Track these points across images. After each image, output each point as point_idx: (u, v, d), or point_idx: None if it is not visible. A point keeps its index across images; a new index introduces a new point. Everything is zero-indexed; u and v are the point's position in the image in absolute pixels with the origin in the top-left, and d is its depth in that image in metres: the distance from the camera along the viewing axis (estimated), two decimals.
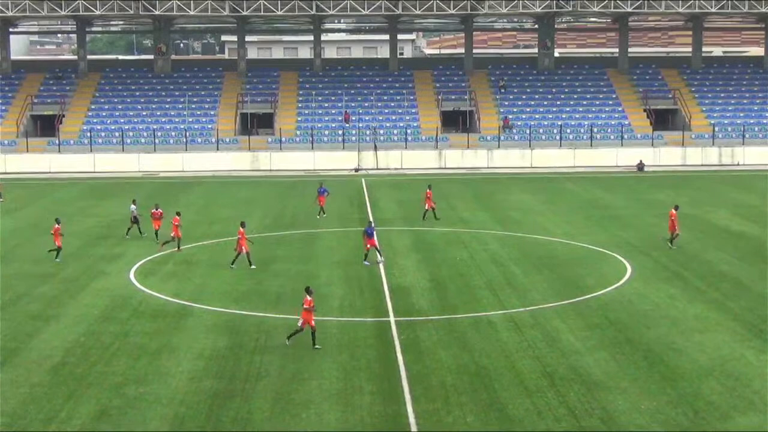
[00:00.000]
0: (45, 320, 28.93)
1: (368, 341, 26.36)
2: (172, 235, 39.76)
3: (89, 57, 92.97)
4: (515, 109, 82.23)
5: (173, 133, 78.38)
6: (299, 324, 25.58)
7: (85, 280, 34.71)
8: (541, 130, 78.94)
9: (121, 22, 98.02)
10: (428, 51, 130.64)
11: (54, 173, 72.78)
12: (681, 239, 41.00)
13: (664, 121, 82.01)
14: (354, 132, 77.64)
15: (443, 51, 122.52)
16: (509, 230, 45.18)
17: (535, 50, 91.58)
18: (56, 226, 38.50)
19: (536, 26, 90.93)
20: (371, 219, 41.45)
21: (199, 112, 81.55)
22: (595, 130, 78.31)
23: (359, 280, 34.33)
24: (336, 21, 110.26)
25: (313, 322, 25.51)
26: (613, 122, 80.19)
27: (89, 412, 21.14)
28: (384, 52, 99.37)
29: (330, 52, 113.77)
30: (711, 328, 27.45)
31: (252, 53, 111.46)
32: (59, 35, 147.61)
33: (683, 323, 28.03)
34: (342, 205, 53.26)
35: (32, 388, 22.68)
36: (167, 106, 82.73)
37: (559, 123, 79.31)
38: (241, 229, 36.64)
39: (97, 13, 77.53)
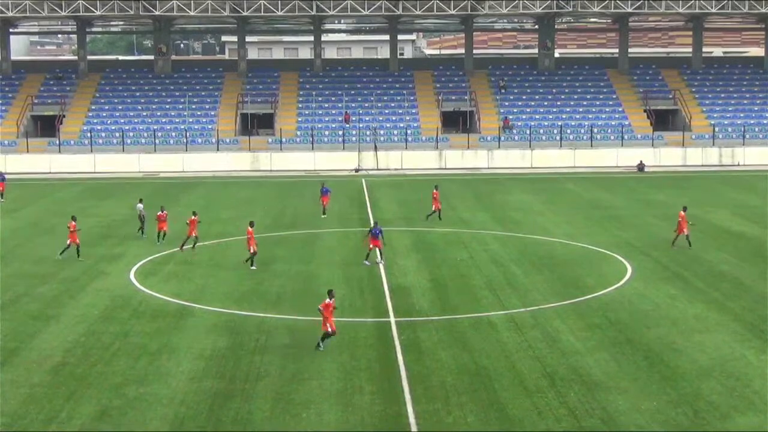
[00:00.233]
0: (45, 320, 28.92)
1: (368, 341, 26.36)
2: (192, 234, 39.82)
3: (89, 57, 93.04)
4: (515, 110, 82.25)
5: (173, 134, 78.41)
6: (329, 329, 25.27)
7: (85, 280, 34.71)
8: (541, 131, 78.95)
9: (122, 23, 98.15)
10: (428, 51, 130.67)
11: (54, 173, 72.80)
12: (682, 240, 41.03)
13: (664, 121, 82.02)
14: (354, 132, 77.66)
15: (443, 51, 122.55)
16: (509, 230, 45.18)
17: (536, 50, 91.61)
18: (72, 223, 38.53)
19: (536, 27, 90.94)
20: (376, 220, 41.32)
21: (199, 113, 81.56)
22: (596, 130, 78.33)
23: (359, 281, 34.33)
24: (336, 21, 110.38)
25: (328, 326, 25.29)
26: (613, 122, 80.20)
27: (89, 412, 21.14)
28: (384, 53, 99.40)
29: (330, 53, 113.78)
30: (711, 329, 27.45)
31: (252, 53, 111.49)
32: (59, 36, 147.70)
33: (683, 323, 28.03)
34: (342, 205, 53.24)
35: (32, 388, 22.68)
36: (167, 106, 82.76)
37: (560, 123, 79.32)
38: (250, 229, 36.63)
39: (98, 13, 77.55)
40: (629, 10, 78.36)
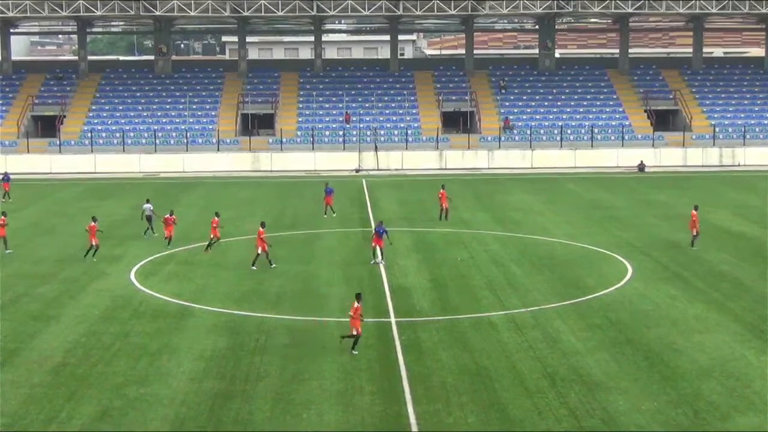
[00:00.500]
0: (45, 321, 28.93)
1: (369, 342, 26.34)
2: (212, 236, 39.74)
3: (90, 57, 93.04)
4: (516, 110, 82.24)
5: (174, 134, 78.42)
6: (354, 332, 25.12)
7: (85, 280, 34.72)
8: (541, 131, 78.95)
9: (122, 23, 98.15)
10: (429, 52, 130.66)
11: (55, 174, 72.82)
12: (682, 240, 41.13)
13: (664, 121, 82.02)
14: (355, 133, 77.65)
15: (444, 52, 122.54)
16: (510, 231, 45.18)
17: (536, 51, 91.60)
18: (92, 224, 38.52)
19: (537, 27, 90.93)
20: (381, 219, 41.25)
21: (199, 113, 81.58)
22: (596, 130, 78.33)
23: (360, 281, 34.32)
24: (337, 22, 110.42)
25: (360, 330, 25.19)
26: (613, 123, 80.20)
27: (90, 412, 21.15)
28: (385, 53, 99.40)
29: (331, 53, 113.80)
30: (711, 329, 27.45)
31: (253, 54, 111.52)
32: (60, 36, 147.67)
33: (684, 324, 28.03)
34: (343, 205, 53.23)
35: (33, 388, 22.69)
36: (168, 106, 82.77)
37: (560, 124, 79.33)
38: (261, 229, 36.63)
39: (98, 13, 77.55)
40: (630, 10, 78.35)
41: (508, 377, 23.22)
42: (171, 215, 41.29)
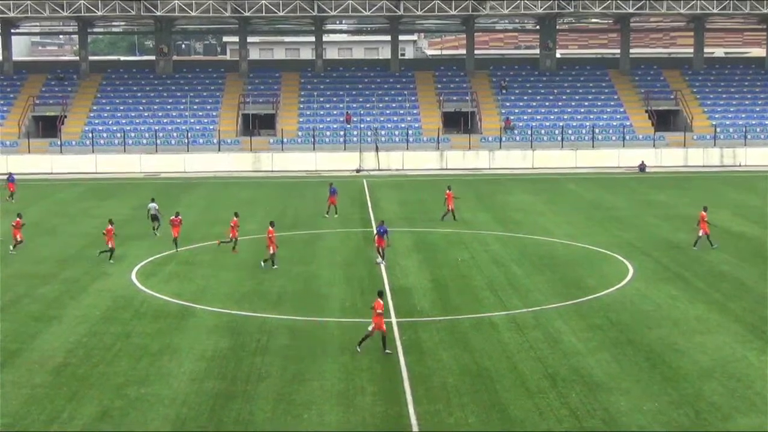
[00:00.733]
0: (46, 321, 28.94)
1: (370, 342, 26.33)
2: (230, 236, 39.70)
3: (91, 58, 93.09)
4: (517, 110, 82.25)
5: (175, 134, 78.44)
6: (369, 329, 25.09)
7: (86, 280, 34.72)
8: (542, 131, 78.96)
9: (123, 23, 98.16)
10: (430, 52, 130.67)
11: (56, 174, 72.87)
12: (682, 240, 41.17)
13: (665, 122, 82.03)
14: (355, 133, 77.68)
15: (445, 52, 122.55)
16: (510, 231, 45.19)
17: (537, 51, 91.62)
18: (109, 226, 38.51)
19: (538, 27, 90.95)
20: (383, 219, 41.23)
21: (200, 113, 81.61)
22: (597, 130, 78.33)
23: (361, 281, 34.34)
24: (337, 22, 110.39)
25: (384, 327, 25.13)
26: (614, 123, 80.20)
27: (91, 412, 21.16)
28: (385, 53, 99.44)
29: (331, 53, 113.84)
30: (712, 329, 27.45)
31: (254, 54, 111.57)
32: (61, 36, 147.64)
33: (685, 324, 28.03)
34: (344, 205, 53.21)
35: (34, 388, 22.70)
36: (169, 107, 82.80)
37: (561, 124, 79.35)
38: (271, 229, 36.62)
39: (99, 14, 77.57)
40: (631, 10, 78.35)
41: (509, 378, 23.22)
42: (177, 216, 40.79)
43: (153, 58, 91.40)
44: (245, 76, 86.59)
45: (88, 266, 37.19)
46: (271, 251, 36.24)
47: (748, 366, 24.05)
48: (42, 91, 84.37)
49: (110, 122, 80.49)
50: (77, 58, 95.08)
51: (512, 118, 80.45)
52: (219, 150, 76.55)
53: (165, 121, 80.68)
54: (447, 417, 20.79)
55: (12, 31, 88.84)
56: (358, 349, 25.12)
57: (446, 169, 74.74)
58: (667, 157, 76.17)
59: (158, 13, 78.03)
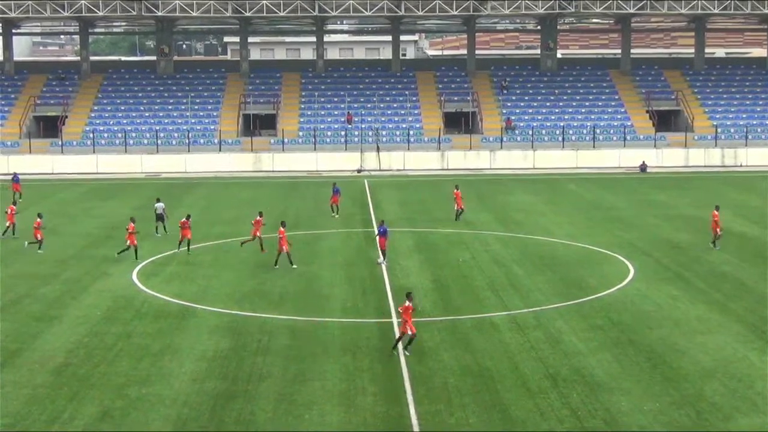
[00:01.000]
0: (47, 321, 28.94)
1: (371, 342, 26.36)
2: (257, 235, 39.60)
3: (92, 58, 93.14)
4: (518, 110, 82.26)
5: (176, 135, 78.48)
6: (408, 332, 24.98)
7: (87, 281, 34.73)
8: (543, 131, 78.98)
9: (124, 24, 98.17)
10: (431, 52, 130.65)
11: (57, 174, 72.90)
12: (684, 240, 41.17)
13: (666, 122, 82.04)
14: (356, 133, 77.71)
15: (446, 52, 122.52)
16: (511, 231, 45.18)
17: (538, 51, 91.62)
18: (131, 224, 38.51)
19: (539, 27, 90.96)
20: (383, 219, 41.23)
21: (201, 113, 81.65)
22: (598, 131, 78.35)
23: (362, 281, 34.34)
24: (338, 22, 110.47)
25: (407, 329, 24.94)
26: (615, 123, 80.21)
27: (92, 413, 21.16)
28: (386, 53, 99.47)
29: (332, 53, 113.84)
30: (713, 330, 27.44)
31: (254, 54, 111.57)
32: (62, 36, 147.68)
33: (686, 324, 28.02)
34: (345, 206, 53.23)
35: (35, 389, 22.69)
36: (170, 107, 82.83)
37: (562, 124, 79.39)
38: (282, 229, 36.60)
39: (100, 14, 77.62)
40: (631, 10, 78.36)
41: (510, 378, 23.21)
42: (187, 219, 40.19)
43: (154, 58, 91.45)
44: (246, 76, 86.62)
45: (89, 266, 37.20)
46: (285, 250, 36.20)
47: (749, 366, 24.04)
48: (43, 91, 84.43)
49: (111, 122, 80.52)
50: (78, 58, 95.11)
51: (513, 118, 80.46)
52: (220, 150, 76.58)
53: (166, 121, 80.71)
54: (448, 417, 20.79)
55: (13, 31, 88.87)
56: (407, 353, 24.84)
57: (447, 169, 74.75)
58: (668, 157, 76.17)
59: (159, 14, 78.05)
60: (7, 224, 43.70)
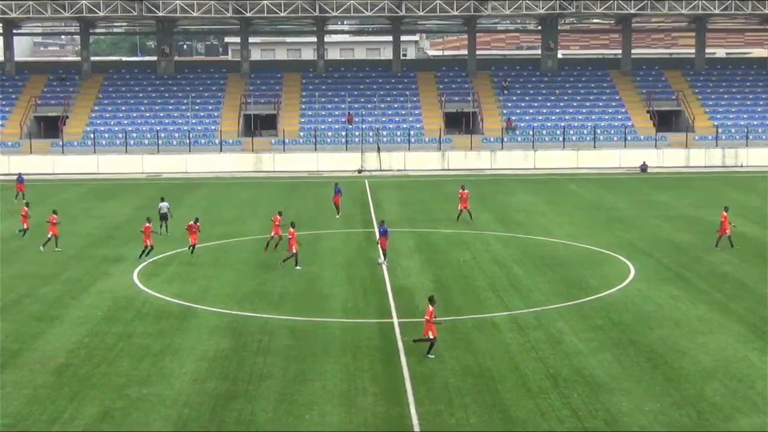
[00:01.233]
0: (48, 321, 28.94)
1: (371, 342, 26.37)
2: (272, 234, 39.54)
3: (93, 58, 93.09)
4: (518, 111, 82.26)
5: (176, 135, 78.48)
6: (430, 335, 24.84)
7: (88, 281, 34.74)
8: (544, 132, 78.97)
9: (125, 24, 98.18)
10: (431, 52, 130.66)
11: (57, 174, 72.89)
12: (684, 241, 41.16)
13: (667, 122, 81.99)
14: (357, 133, 77.70)
15: (446, 52, 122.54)
16: (512, 231, 45.18)
17: (539, 51, 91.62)
18: (147, 224, 38.48)
19: (539, 28, 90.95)
20: (383, 219, 41.16)
21: (202, 114, 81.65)
22: (598, 131, 78.33)
23: (362, 282, 34.35)
24: (339, 22, 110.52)
25: (429, 333, 24.88)
26: (616, 123, 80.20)
27: (92, 413, 21.17)
28: (387, 54, 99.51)
29: (333, 54, 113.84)
30: (714, 330, 27.44)
31: (255, 54, 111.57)
32: (63, 37, 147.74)
33: (686, 325, 28.02)
34: (345, 206, 53.23)
35: (35, 389, 22.70)
36: (170, 107, 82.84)
37: (562, 124, 79.38)
38: (291, 230, 36.60)
39: (101, 14, 77.61)
40: (632, 11, 78.34)
41: (510, 378, 23.21)
42: (196, 222, 39.69)
43: (155, 58, 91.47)
44: (247, 76, 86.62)
45: (90, 266, 37.21)
46: (294, 250, 36.21)
47: (749, 366, 24.04)
48: (44, 91, 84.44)
49: (112, 123, 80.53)
50: (79, 58, 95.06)
51: (514, 118, 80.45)
52: (221, 150, 76.57)
53: (167, 121, 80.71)
54: (449, 417, 20.79)
55: (14, 31, 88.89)
56: (430, 356, 24.72)
57: (448, 169, 74.74)
58: (669, 157, 76.16)
59: (160, 14, 78.04)
60: (49, 235, 41.25)
